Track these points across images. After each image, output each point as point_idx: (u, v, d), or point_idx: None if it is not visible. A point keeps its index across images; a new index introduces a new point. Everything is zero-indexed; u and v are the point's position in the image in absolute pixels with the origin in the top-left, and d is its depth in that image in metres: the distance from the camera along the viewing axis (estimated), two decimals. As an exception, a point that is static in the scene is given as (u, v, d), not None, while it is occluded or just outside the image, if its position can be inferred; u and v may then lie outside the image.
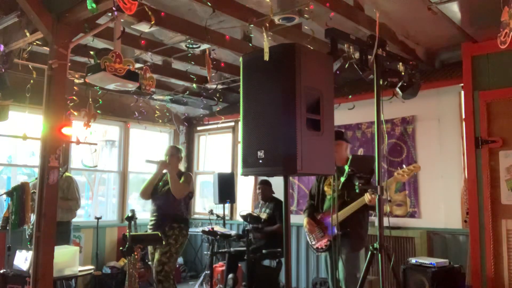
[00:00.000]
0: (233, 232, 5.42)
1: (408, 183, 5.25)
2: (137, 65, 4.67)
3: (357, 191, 3.03)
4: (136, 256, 3.60)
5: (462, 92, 4.59)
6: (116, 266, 6.33)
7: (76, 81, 4.60)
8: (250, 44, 4.70)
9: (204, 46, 4.70)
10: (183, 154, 4.76)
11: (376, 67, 2.81)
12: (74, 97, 3.88)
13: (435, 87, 4.96)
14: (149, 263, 4.64)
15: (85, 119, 3.48)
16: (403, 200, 5.35)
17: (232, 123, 7.38)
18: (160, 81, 6.19)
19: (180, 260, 7.16)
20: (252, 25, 3.95)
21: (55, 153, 3.13)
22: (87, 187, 7.45)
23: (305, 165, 2.12)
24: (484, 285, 4.03)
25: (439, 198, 5.07)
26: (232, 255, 5.29)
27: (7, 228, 3.93)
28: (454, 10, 3.78)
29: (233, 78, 5.98)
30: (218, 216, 6.61)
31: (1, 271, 4.10)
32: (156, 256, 4.26)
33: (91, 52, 3.38)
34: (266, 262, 5.42)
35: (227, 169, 7.29)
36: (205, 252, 6.75)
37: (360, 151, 5.74)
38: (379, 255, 2.65)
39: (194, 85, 6.05)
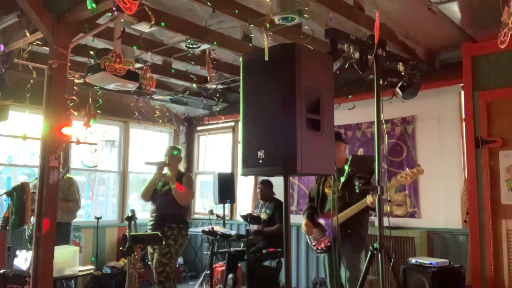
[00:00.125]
0: (233, 232, 5.42)
1: (408, 183, 5.25)
2: (137, 65, 4.67)
3: (357, 191, 3.03)
4: (136, 256, 3.60)
5: (462, 92, 4.59)
6: (116, 266, 6.33)
7: (76, 81, 4.60)
8: (250, 44, 4.70)
9: (204, 46, 4.70)
10: (182, 155, 4.76)
11: (376, 67, 2.81)
12: (74, 97, 3.88)
13: (435, 87, 4.96)
14: (149, 263, 4.64)
15: (85, 119, 3.48)
16: (403, 200, 5.35)
17: (232, 123, 7.38)
18: (160, 81, 6.19)
19: (180, 260, 7.16)
20: (252, 25, 3.95)
21: (55, 153, 3.13)
22: (87, 187, 7.45)
23: (305, 165, 2.12)
24: (484, 285, 4.03)
25: (439, 198, 5.07)
26: (232, 255, 5.29)
27: (7, 228, 3.93)
28: (454, 10, 3.78)
29: (233, 78, 5.98)
30: (218, 216, 6.61)
31: (1, 271, 4.10)
32: (156, 256, 4.26)
33: (91, 52, 3.38)
34: (266, 262, 5.42)
35: (227, 169, 7.29)
36: (205, 252, 6.75)
37: (360, 151, 5.74)
38: (379, 255, 2.65)
39: (194, 85, 6.05)
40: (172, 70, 5.75)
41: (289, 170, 2.15)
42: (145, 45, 4.71)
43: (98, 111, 3.67)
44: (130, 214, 3.75)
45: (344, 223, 3.62)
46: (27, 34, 3.42)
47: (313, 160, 2.18)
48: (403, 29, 4.57)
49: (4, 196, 4.04)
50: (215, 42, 4.49)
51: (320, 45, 4.47)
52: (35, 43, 3.67)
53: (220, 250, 5.63)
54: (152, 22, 3.71)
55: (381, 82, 2.84)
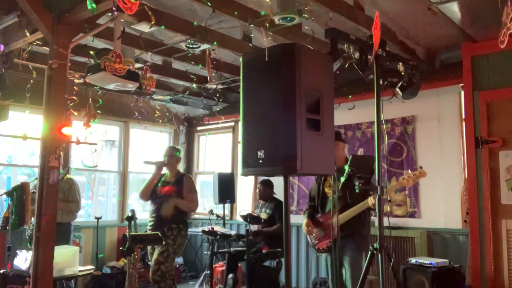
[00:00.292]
0: (233, 232, 5.41)
1: (408, 183, 5.25)
2: (137, 65, 4.68)
3: (357, 191, 3.03)
4: (136, 256, 3.60)
5: (462, 92, 4.59)
6: (116, 266, 6.33)
7: (76, 81, 4.60)
8: (250, 44, 4.70)
9: (204, 46, 4.70)
10: (182, 155, 4.76)
11: (376, 67, 2.81)
12: (74, 97, 3.88)
13: (435, 87, 4.95)
14: (149, 263, 4.64)
15: (85, 119, 3.48)
16: (403, 200, 5.35)
17: (232, 123, 7.38)
18: (160, 81, 6.19)
19: (180, 260, 7.17)
20: (252, 25, 3.95)
21: (55, 153, 3.13)
22: (87, 187, 7.45)
23: (305, 165, 2.12)
24: (484, 285, 4.03)
25: (439, 198, 5.07)
26: (232, 255, 5.28)
27: (7, 228, 3.93)
28: (454, 10, 3.78)
29: (233, 78, 5.97)
30: (218, 216, 6.61)
31: (1, 271, 4.10)
32: (154, 255, 4.27)
33: (91, 52, 3.39)
34: (266, 262, 5.41)
35: (227, 169, 7.29)
36: (205, 252, 6.75)
37: (360, 151, 5.74)
38: (379, 255, 2.65)
39: (194, 85, 6.05)
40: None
41: (289, 170, 2.15)
42: (145, 45, 4.71)
43: (98, 111, 3.68)
44: (130, 214, 3.75)
45: (347, 224, 3.62)
46: (27, 34, 3.42)
47: (313, 160, 2.18)
48: (403, 29, 4.57)
49: (4, 196, 4.03)
50: (215, 42, 4.49)
51: (320, 45, 4.47)
52: (35, 43, 3.67)
53: (220, 250, 5.62)
54: (152, 22, 3.72)
55: (381, 82, 2.84)
